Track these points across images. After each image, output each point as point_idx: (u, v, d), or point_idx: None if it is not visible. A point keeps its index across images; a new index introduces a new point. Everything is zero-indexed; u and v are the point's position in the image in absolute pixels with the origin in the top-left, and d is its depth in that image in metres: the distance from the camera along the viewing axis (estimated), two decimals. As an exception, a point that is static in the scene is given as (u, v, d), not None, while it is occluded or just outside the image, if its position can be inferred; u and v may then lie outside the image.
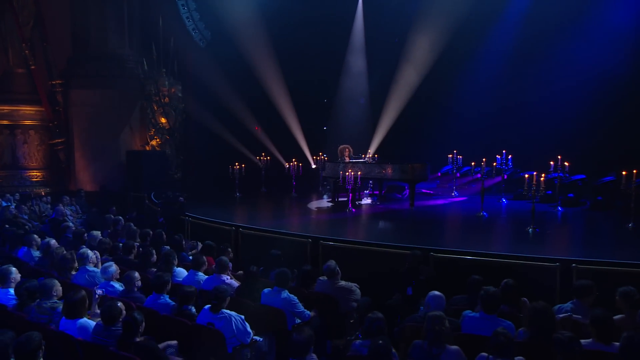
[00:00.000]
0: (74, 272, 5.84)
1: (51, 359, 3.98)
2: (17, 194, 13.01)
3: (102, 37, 14.99)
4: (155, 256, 6.46)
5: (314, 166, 15.28)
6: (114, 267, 5.52)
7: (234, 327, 4.56)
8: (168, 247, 6.99)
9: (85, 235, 7.68)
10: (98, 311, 4.69)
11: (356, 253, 7.08)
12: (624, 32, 12.09)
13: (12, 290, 5.09)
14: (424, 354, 3.89)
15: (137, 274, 5.29)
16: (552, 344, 3.61)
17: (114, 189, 14.56)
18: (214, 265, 6.57)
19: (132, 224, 8.47)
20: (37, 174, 15.32)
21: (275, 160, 15.42)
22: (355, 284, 5.84)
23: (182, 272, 6.15)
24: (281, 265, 6.33)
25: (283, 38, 14.88)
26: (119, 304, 4.19)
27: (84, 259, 5.84)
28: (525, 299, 5.08)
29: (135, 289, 5.24)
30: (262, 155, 14.63)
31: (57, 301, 4.68)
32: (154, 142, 15.66)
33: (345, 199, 11.73)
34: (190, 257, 7.12)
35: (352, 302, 5.72)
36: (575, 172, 11.24)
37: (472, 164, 11.04)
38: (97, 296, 4.73)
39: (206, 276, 5.92)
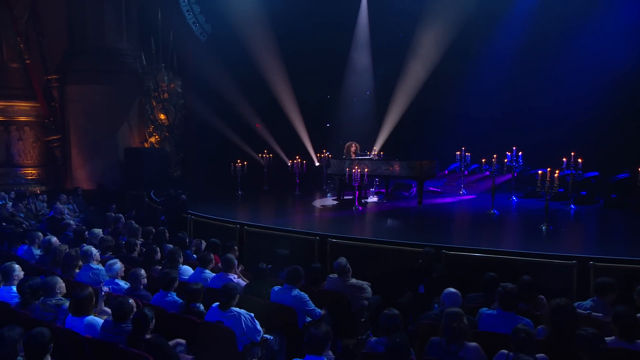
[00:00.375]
0: (77, 270, 5.85)
1: (58, 357, 4.01)
2: (13, 192, 13.02)
3: (99, 31, 15.00)
4: (159, 254, 6.49)
5: (317, 164, 15.29)
6: (118, 265, 5.54)
7: (244, 325, 4.58)
8: (171, 246, 7.01)
9: (86, 233, 7.71)
10: (104, 308, 4.73)
11: (365, 251, 7.10)
12: (637, 26, 12.10)
13: (14, 288, 5.10)
14: (441, 351, 3.90)
15: (142, 271, 5.31)
16: (575, 341, 3.62)
17: (111, 187, 14.59)
18: (219, 264, 6.65)
19: (133, 221, 8.49)
20: (32, 171, 15.34)
21: (277, 158, 15.43)
22: (367, 282, 5.86)
23: (187, 270, 6.17)
24: (288, 264, 6.37)
25: (286, 32, 14.88)
26: (130, 301, 4.22)
27: (87, 257, 5.86)
28: (542, 296, 5.12)
29: (141, 287, 5.26)
30: (264, 153, 14.64)
31: (62, 298, 4.70)
32: (152, 139, 15.68)
33: (351, 197, 11.76)
34: (195, 256, 7.16)
35: (363, 300, 5.74)
36: (588, 169, 11.22)
37: (483, 160, 11.05)
38: (103, 293, 4.75)
39: (213, 274, 5.93)
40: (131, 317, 4.18)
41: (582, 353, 3.54)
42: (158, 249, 6.52)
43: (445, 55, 14.25)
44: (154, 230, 7.78)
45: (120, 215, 8.92)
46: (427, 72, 14.71)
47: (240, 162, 13.34)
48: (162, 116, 15.78)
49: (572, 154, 9.78)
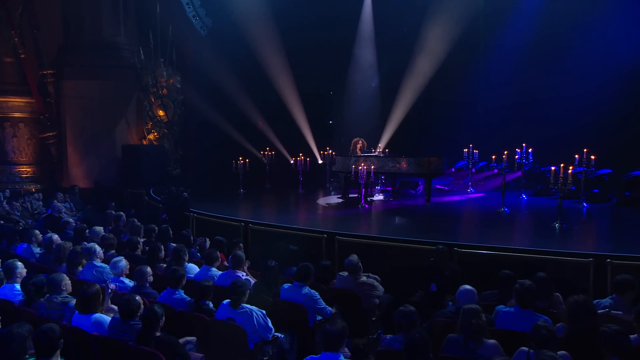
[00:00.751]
0: (80, 268, 5.86)
1: (64, 355, 4.02)
2: (7, 191, 13.02)
3: (96, 25, 15.00)
4: (163, 252, 6.51)
5: (320, 161, 15.31)
6: (123, 262, 5.56)
7: (255, 323, 4.60)
8: (174, 244, 7.03)
9: (87, 231, 7.72)
10: (111, 306, 4.74)
11: (374, 249, 7.12)
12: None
13: (17, 286, 5.12)
14: (459, 348, 3.92)
15: (148, 269, 5.33)
16: (597, 338, 3.63)
17: (109, 186, 14.59)
18: (224, 262, 6.68)
19: (135, 219, 8.50)
20: (27, 169, 15.33)
21: (279, 155, 15.45)
22: (377, 277, 5.88)
23: (193, 268, 6.18)
24: (295, 261, 6.40)
25: (288, 27, 14.89)
26: (137, 298, 4.23)
27: (91, 254, 5.88)
28: (558, 294, 5.15)
29: (147, 284, 5.28)
30: (266, 150, 14.65)
31: (68, 296, 4.72)
32: (151, 136, 15.69)
33: (356, 195, 11.78)
34: (199, 255, 7.19)
35: (374, 298, 5.77)
36: (600, 166, 11.23)
37: (493, 157, 11.05)
38: (109, 291, 4.77)
39: (220, 272, 5.95)
40: (139, 314, 4.21)
41: (605, 350, 3.56)
42: (162, 246, 6.53)
43: (452, 50, 14.25)
44: (156, 228, 7.79)
45: (122, 213, 8.95)
46: (434, 67, 14.71)
47: (242, 160, 13.36)
48: (161, 112, 15.80)
49: (585, 150, 9.79)
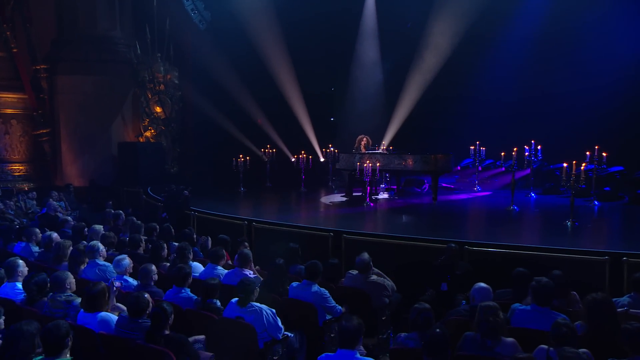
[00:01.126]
0: (82, 267, 5.87)
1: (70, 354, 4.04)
2: (0, 190, 13.02)
3: (91, 18, 14.95)
4: (166, 250, 6.53)
5: (322, 159, 15.34)
6: (127, 261, 5.57)
7: (265, 322, 4.62)
8: (176, 244, 7.05)
9: (85, 229, 7.73)
10: (117, 304, 4.76)
11: (382, 247, 7.14)
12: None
13: (19, 285, 5.13)
14: (476, 346, 3.94)
15: (153, 267, 5.36)
16: (618, 336, 3.66)
17: (104, 184, 14.59)
18: (229, 260, 6.70)
19: (134, 218, 8.52)
20: (20, 167, 15.30)
21: (280, 153, 15.46)
22: (388, 278, 5.90)
23: (198, 266, 6.20)
24: (299, 259, 6.43)
25: (289, 21, 14.91)
26: (145, 296, 4.25)
27: (93, 252, 5.89)
28: (574, 292, 5.18)
29: (152, 283, 5.30)
30: (267, 148, 14.65)
31: (73, 295, 4.73)
32: (148, 133, 15.69)
33: (360, 193, 11.82)
34: (201, 254, 7.21)
35: (384, 297, 5.79)
36: (612, 164, 11.26)
37: (502, 154, 11.09)
38: (115, 289, 4.78)
39: (226, 270, 5.97)
40: (147, 312, 4.22)
41: (627, 348, 3.59)
42: (165, 244, 6.55)
43: (457, 45, 14.28)
44: (157, 226, 7.81)
45: (120, 211, 8.95)
46: (439, 63, 14.76)
47: (242, 157, 13.38)
48: (158, 109, 15.80)
49: (597, 147, 9.82)
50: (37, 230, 7.32)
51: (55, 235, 6.83)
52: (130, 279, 5.55)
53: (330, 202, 11.61)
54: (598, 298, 4.19)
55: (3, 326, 4.06)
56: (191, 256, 6.25)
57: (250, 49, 14.83)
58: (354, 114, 16.24)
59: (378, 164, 10.77)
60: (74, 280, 4.86)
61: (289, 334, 4.87)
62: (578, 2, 12.93)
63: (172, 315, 4.11)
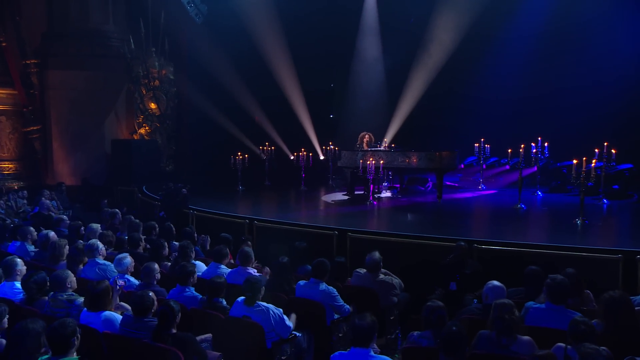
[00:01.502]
0: (81, 266, 5.87)
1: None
2: (-11, 189, 12.97)
3: (83, 11, 14.92)
4: (167, 249, 6.54)
5: (322, 157, 15.36)
6: (129, 259, 5.57)
7: (272, 321, 4.64)
8: (177, 243, 7.06)
9: (82, 229, 7.73)
10: (120, 303, 4.77)
11: (389, 246, 7.16)
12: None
13: (17, 284, 5.12)
14: (491, 344, 3.96)
15: (156, 266, 5.36)
16: (636, 334, 3.70)
17: (97, 183, 14.56)
18: (231, 259, 6.71)
19: (132, 217, 8.51)
20: (9, 165, 15.25)
21: (278, 151, 15.46)
22: (395, 276, 5.93)
23: (201, 265, 6.21)
24: (307, 258, 6.44)
25: (288, 16, 14.89)
26: (150, 294, 4.26)
27: (93, 251, 5.89)
28: (588, 291, 5.22)
29: (155, 282, 5.30)
30: (265, 145, 14.65)
31: (74, 294, 4.73)
32: (142, 131, 15.67)
33: (362, 192, 11.84)
34: (202, 253, 7.21)
35: (393, 296, 5.82)
36: (620, 161, 11.30)
37: (509, 150, 11.13)
38: (118, 287, 4.79)
39: (229, 269, 5.99)
40: (152, 311, 4.24)
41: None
42: (165, 243, 6.56)
43: (461, 40, 14.31)
44: (156, 225, 7.81)
45: (117, 210, 8.94)
46: (442, 59, 14.77)
47: (240, 155, 13.38)
48: (153, 105, 15.77)
49: (605, 144, 9.87)
50: (32, 229, 7.30)
51: (52, 234, 6.82)
52: (132, 278, 5.56)
53: (332, 201, 11.64)
54: (616, 296, 4.23)
55: (6, 326, 4.05)
56: (193, 255, 6.26)
57: (248, 43, 14.79)
58: (354, 111, 16.25)
59: (381, 162, 10.80)
60: (74, 279, 4.86)
61: (297, 334, 4.90)
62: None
63: (179, 314, 4.12)
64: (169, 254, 6.65)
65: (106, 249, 6.56)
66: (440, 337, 3.62)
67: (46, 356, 3.50)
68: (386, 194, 12.36)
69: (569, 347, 3.73)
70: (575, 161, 8.14)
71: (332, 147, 14.29)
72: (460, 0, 14.09)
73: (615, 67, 12.32)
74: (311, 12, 14.80)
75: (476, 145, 12.76)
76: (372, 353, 3.68)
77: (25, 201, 12.69)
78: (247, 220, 8.49)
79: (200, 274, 6.05)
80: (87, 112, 14.97)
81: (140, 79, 15.56)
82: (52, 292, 4.75)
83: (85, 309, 4.47)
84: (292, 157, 14.82)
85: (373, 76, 16.55)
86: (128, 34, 15.41)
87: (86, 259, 5.92)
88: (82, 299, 4.62)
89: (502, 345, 3.93)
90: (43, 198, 11.30)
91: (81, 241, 6.81)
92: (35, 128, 15.25)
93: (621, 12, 12.38)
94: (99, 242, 6.02)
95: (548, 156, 11.66)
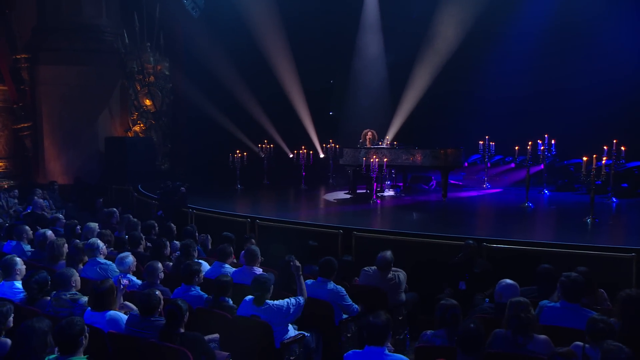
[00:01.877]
0: (81, 266, 5.87)
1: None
2: (-22, 188, 12.92)
3: (75, 5, 14.90)
4: (168, 248, 6.55)
5: (322, 155, 15.38)
6: (131, 258, 5.58)
7: (290, 312, 4.75)
8: (177, 243, 7.08)
9: (78, 228, 7.72)
10: (125, 303, 4.78)
11: (395, 244, 7.15)
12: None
13: (17, 283, 5.12)
14: (507, 343, 3.99)
15: (159, 265, 5.37)
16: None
17: (91, 181, 14.52)
18: (234, 259, 6.72)
19: (130, 216, 8.51)
20: (-1, 164, 15.23)
21: (277, 149, 15.46)
22: (402, 271, 5.97)
23: (204, 265, 6.21)
24: (314, 258, 6.46)
25: (288, 11, 14.91)
26: (157, 293, 4.27)
27: (93, 250, 5.89)
28: (602, 290, 5.27)
29: (158, 281, 5.31)
30: (264, 143, 14.66)
31: (78, 293, 4.74)
32: (137, 128, 15.65)
33: (364, 190, 11.87)
34: (204, 253, 7.23)
35: (400, 294, 5.86)
36: (629, 159, 11.34)
37: (516, 148, 11.18)
38: (122, 287, 4.80)
39: (233, 268, 6.01)
40: (159, 310, 4.25)
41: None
42: (167, 242, 6.57)
43: (465, 36, 14.36)
44: (156, 224, 7.82)
45: (114, 209, 8.93)
46: (445, 55, 14.81)
47: (239, 153, 13.38)
48: (148, 102, 15.74)
49: (615, 141, 9.92)
50: (28, 228, 7.29)
51: (49, 232, 6.80)
52: (134, 278, 5.57)
53: (334, 200, 11.66)
54: (633, 294, 4.26)
55: (12, 324, 4.06)
56: (196, 254, 6.28)
57: (247, 39, 14.81)
58: (355, 108, 16.29)
59: (385, 159, 10.83)
60: (79, 278, 4.88)
61: (306, 334, 4.92)
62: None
63: (187, 313, 4.14)
64: (170, 253, 6.66)
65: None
66: (457, 335, 3.64)
67: (53, 356, 3.51)
68: (389, 192, 12.40)
69: (587, 345, 3.76)
70: (585, 158, 8.19)
71: (332, 144, 14.31)
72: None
73: (623, 64, 12.40)
74: (311, 7, 14.80)
75: (480, 143, 12.82)
76: (387, 352, 3.71)
77: (16, 200, 12.66)
78: (248, 219, 8.50)
79: (204, 273, 6.07)
80: (80, 109, 14.94)
81: (134, 74, 15.51)
82: (54, 291, 4.75)
83: (89, 308, 4.48)
84: (291, 156, 14.82)
85: (374, 73, 16.59)
86: (122, 28, 15.38)
87: (86, 258, 5.92)
88: (85, 298, 4.63)
89: (518, 344, 3.96)
90: (36, 197, 11.27)
91: (78, 240, 6.82)
92: (26, 125, 15.19)
93: (631, 7, 12.44)
94: (99, 242, 6.03)
95: (555, 154, 11.72)
